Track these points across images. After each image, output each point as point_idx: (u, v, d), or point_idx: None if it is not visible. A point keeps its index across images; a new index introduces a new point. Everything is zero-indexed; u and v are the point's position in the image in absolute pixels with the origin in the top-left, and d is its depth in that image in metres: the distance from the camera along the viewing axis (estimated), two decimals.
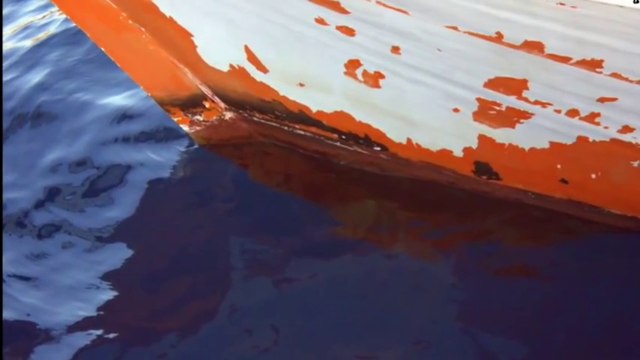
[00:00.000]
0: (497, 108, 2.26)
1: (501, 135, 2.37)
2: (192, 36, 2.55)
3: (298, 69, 2.49)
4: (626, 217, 2.49)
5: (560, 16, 1.85)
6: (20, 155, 3.19)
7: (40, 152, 3.19)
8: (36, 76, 3.68)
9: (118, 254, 2.72)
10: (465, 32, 2.01)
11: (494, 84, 2.16)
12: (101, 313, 2.53)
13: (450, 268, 2.54)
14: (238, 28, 2.43)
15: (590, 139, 2.23)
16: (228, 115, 2.89)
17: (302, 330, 2.38)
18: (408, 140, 2.57)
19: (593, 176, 2.37)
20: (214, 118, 2.91)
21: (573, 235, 2.58)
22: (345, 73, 2.39)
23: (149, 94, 2.90)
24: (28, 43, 4.04)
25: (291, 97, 2.63)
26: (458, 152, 2.52)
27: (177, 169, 3.04)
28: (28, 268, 2.70)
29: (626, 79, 1.96)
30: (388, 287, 2.48)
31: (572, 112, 2.15)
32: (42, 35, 4.09)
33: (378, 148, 2.67)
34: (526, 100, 2.17)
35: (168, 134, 3.17)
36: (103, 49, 2.75)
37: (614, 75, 1.96)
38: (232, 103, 2.80)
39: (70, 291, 2.60)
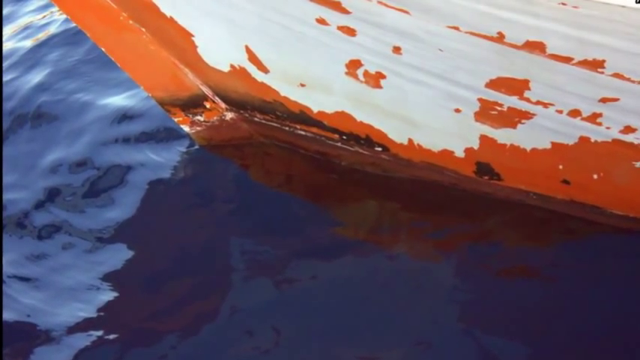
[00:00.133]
0: (499, 108, 2.25)
1: (503, 135, 2.36)
2: (192, 36, 2.55)
3: (299, 69, 2.49)
4: (628, 218, 2.48)
5: (562, 16, 1.85)
6: (20, 156, 3.19)
7: (40, 153, 3.19)
8: (36, 77, 3.68)
9: (119, 255, 2.71)
10: (466, 32, 2.01)
11: (495, 84, 2.16)
12: (101, 314, 2.52)
13: (452, 269, 2.54)
14: (239, 28, 2.43)
15: (592, 140, 2.22)
16: (229, 115, 2.88)
17: (303, 331, 2.38)
18: (410, 141, 2.56)
19: (595, 177, 2.36)
20: (215, 118, 2.91)
21: (575, 236, 2.58)
22: (347, 73, 2.39)
23: (149, 95, 2.90)
24: (28, 44, 4.03)
25: (292, 98, 2.63)
26: (459, 153, 2.51)
27: (178, 169, 3.03)
28: (28, 268, 2.69)
29: (628, 80, 1.95)
30: (389, 288, 2.47)
31: (574, 113, 2.15)
32: (42, 35, 4.08)
33: (380, 149, 2.67)
34: (528, 100, 2.17)
35: (168, 135, 3.17)
36: (103, 49, 2.75)
37: (616, 75, 1.95)
38: (233, 103, 2.80)
39: (70, 292, 2.59)
